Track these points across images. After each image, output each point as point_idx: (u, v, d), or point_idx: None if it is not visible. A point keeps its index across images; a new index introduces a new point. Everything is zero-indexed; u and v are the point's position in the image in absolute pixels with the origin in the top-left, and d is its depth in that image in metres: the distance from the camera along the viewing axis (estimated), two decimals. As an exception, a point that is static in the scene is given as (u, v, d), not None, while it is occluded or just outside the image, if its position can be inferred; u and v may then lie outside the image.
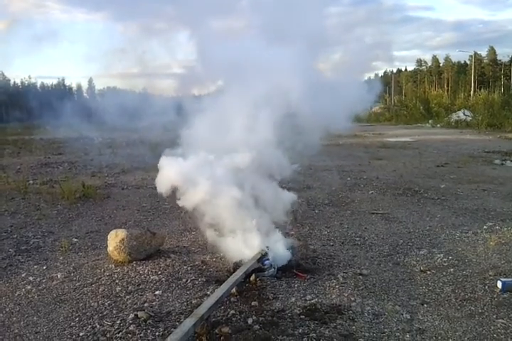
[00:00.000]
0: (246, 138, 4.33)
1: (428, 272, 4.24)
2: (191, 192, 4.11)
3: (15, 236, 5.69)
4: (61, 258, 4.81)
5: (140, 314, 3.30)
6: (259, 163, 4.32)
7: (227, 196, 4.15)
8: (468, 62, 75.42)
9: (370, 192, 8.08)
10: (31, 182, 9.37)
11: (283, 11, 4.87)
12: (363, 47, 5.47)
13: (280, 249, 4.33)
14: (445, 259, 4.55)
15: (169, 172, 4.19)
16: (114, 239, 4.50)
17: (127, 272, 4.25)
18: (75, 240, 5.48)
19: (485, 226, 5.71)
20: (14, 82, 66.18)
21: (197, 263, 4.49)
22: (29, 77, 76.41)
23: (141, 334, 3.05)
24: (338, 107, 4.74)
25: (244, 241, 4.29)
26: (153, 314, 3.34)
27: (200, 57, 4.80)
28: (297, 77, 4.41)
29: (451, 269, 4.28)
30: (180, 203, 4.25)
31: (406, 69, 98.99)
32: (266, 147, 4.37)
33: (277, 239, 4.43)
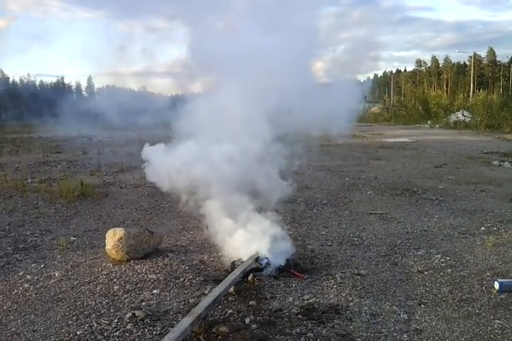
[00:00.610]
0: (238, 129, 4.35)
1: (426, 272, 4.24)
2: (182, 178, 4.16)
3: (13, 234, 5.68)
4: (59, 256, 4.81)
5: (137, 313, 3.30)
6: (254, 153, 4.33)
7: (219, 181, 4.19)
8: (467, 63, 75.51)
9: (369, 193, 8.09)
10: (29, 180, 9.36)
11: (278, 7, 4.90)
12: (352, 47, 5.50)
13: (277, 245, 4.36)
14: (443, 260, 4.56)
15: (159, 160, 4.25)
16: (112, 237, 4.50)
17: (125, 271, 4.24)
18: (73, 239, 5.47)
19: (482, 227, 5.72)
20: (13, 80, 66.17)
21: (195, 262, 4.49)
22: (28, 75, 76.31)
23: (139, 333, 3.05)
24: (331, 107, 4.77)
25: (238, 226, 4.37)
26: (150, 313, 3.34)
27: (193, 52, 4.82)
28: (290, 73, 4.45)
29: (449, 270, 4.29)
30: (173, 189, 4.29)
31: (405, 70, 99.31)
32: (260, 139, 4.38)
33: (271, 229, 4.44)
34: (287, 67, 4.48)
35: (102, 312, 3.41)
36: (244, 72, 4.46)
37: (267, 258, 4.16)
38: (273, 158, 4.49)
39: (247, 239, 4.29)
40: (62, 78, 73.36)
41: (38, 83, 69.98)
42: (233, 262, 4.20)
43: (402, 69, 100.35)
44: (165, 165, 4.26)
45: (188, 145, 4.33)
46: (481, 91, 40.36)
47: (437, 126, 30.30)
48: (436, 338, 3.05)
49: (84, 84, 71.38)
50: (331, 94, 4.91)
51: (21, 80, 68.66)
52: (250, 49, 4.47)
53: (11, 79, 65.46)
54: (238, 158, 4.25)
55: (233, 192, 4.32)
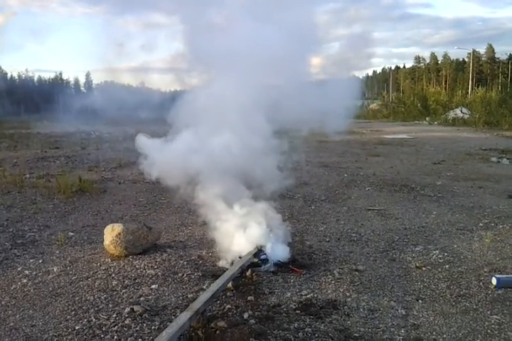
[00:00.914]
0: (234, 121, 4.37)
1: (423, 268, 4.26)
2: (179, 168, 4.19)
3: (11, 229, 5.67)
4: (57, 252, 4.81)
5: (136, 308, 3.31)
6: (251, 144, 4.35)
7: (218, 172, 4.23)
8: (466, 59, 75.41)
9: (367, 189, 8.09)
10: (28, 176, 9.34)
11: (276, 2, 4.91)
12: (348, 44, 5.51)
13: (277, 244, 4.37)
14: (441, 256, 4.57)
15: (156, 151, 4.29)
16: (111, 233, 4.50)
17: (123, 266, 4.25)
18: (71, 234, 5.47)
19: (480, 224, 5.73)
20: (11, 76, 65.94)
21: (193, 257, 4.49)
22: (26, 71, 76.05)
23: (137, 328, 3.06)
24: (326, 103, 4.79)
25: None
26: (149, 308, 3.35)
27: (191, 47, 4.83)
28: (286, 68, 4.47)
29: (447, 265, 4.30)
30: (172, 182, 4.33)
31: (404, 66, 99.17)
32: (256, 131, 4.40)
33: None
34: (283, 62, 4.50)
35: (101, 307, 3.42)
36: (241, 67, 4.46)
37: (265, 254, 4.17)
38: (271, 151, 4.50)
39: (243, 224, 4.33)
40: (61, 74, 73.34)
41: (36, 79, 69.85)
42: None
43: (401, 66, 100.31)
44: (162, 156, 4.29)
45: (185, 136, 4.36)
46: (480, 88, 40.30)
47: (436, 122, 30.28)
48: (434, 333, 3.06)
49: (82, 80, 71.35)
50: (325, 91, 4.93)
51: (19, 76, 68.44)
52: (247, 44, 4.47)
53: (8, 75, 65.32)
54: (235, 148, 4.27)
55: (230, 181, 4.33)
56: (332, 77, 5.43)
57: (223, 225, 4.42)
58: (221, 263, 4.27)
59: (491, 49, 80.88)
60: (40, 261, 4.49)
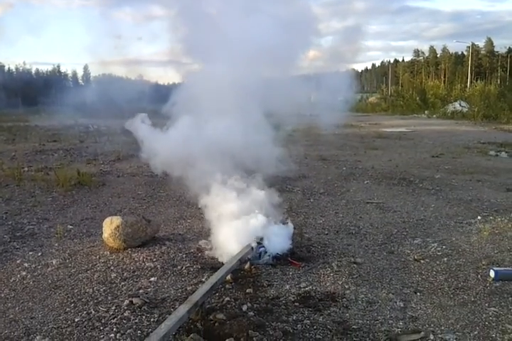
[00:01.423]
0: (228, 110, 4.39)
1: (422, 261, 4.27)
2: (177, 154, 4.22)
3: (10, 222, 5.67)
4: (56, 244, 4.81)
5: (135, 300, 3.31)
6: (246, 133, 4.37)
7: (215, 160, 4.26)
8: (465, 53, 75.21)
9: (366, 182, 8.10)
10: (26, 169, 9.31)
11: None
12: (341, 38, 5.52)
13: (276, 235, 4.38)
14: (439, 248, 4.58)
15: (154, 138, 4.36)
16: (109, 226, 4.50)
17: (122, 259, 4.25)
18: (70, 227, 5.47)
19: (479, 217, 5.74)
20: (9, 68, 65.45)
21: (192, 250, 4.50)
22: (24, 63, 75.62)
23: (136, 320, 3.07)
24: (320, 96, 4.80)
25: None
26: (148, 300, 3.35)
27: (185, 39, 4.82)
28: (278, 60, 4.48)
29: (445, 258, 4.32)
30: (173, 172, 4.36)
31: (403, 60, 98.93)
32: (252, 119, 4.42)
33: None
34: (276, 54, 4.49)
35: (100, 299, 3.42)
36: (235, 58, 4.45)
37: (263, 246, 4.17)
38: (269, 140, 4.51)
39: (241, 212, 4.35)
40: (59, 66, 72.89)
41: (33, 71, 69.41)
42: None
43: (400, 59, 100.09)
44: (160, 142, 4.31)
45: (181, 123, 4.39)
46: (479, 81, 40.26)
47: (435, 116, 30.28)
48: (432, 325, 3.08)
49: (80, 73, 71.07)
50: (319, 84, 4.92)
51: (17, 68, 67.92)
52: (241, 36, 4.45)
53: (6, 68, 64.85)
54: (232, 134, 4.27)
55: (227, 165, 4.36)
56: (326, 70, 5.43)
57: (220, 211, 4.44)
58: (218, 255, 4.27)
59: (490, 42, 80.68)
60: (40, 254, 4.49)
